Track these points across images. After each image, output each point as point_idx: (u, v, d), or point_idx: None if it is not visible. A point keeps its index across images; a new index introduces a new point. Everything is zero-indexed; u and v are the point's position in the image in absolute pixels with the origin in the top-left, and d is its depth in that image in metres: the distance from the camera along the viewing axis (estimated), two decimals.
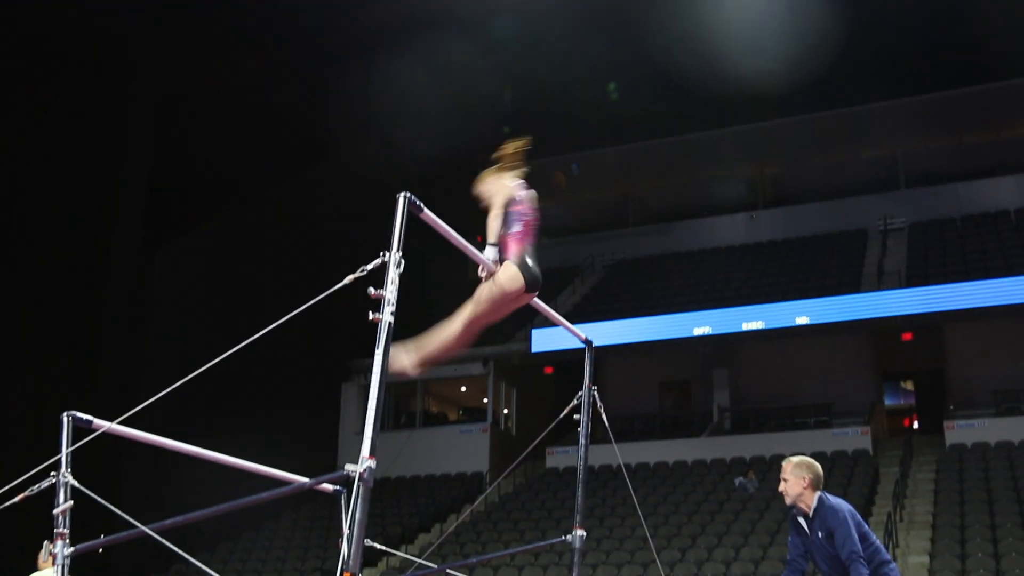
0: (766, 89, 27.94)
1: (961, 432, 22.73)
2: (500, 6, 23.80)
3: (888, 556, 6.12)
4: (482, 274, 5.38)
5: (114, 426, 4.92)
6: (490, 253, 5.27)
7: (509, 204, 5.42)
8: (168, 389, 4.73)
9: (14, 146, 21.62)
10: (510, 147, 5.65)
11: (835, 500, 6.15)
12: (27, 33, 21.62)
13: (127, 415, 4.88)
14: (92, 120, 22.71)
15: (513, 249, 5.29)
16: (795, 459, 6.27)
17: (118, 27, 22.63)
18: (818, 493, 6.14)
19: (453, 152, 30.62)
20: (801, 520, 6.23)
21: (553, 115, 28.90)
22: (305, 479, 4.78)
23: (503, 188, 5.46)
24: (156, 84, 24.24)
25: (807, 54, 25.64)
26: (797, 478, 6.16)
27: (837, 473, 21.61)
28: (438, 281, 28.38)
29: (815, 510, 6.11)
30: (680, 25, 25.75)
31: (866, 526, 6.12)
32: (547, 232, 34.76)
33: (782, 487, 6.26)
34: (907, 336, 25.42)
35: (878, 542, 6.14)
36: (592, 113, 29.94)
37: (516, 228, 5.35)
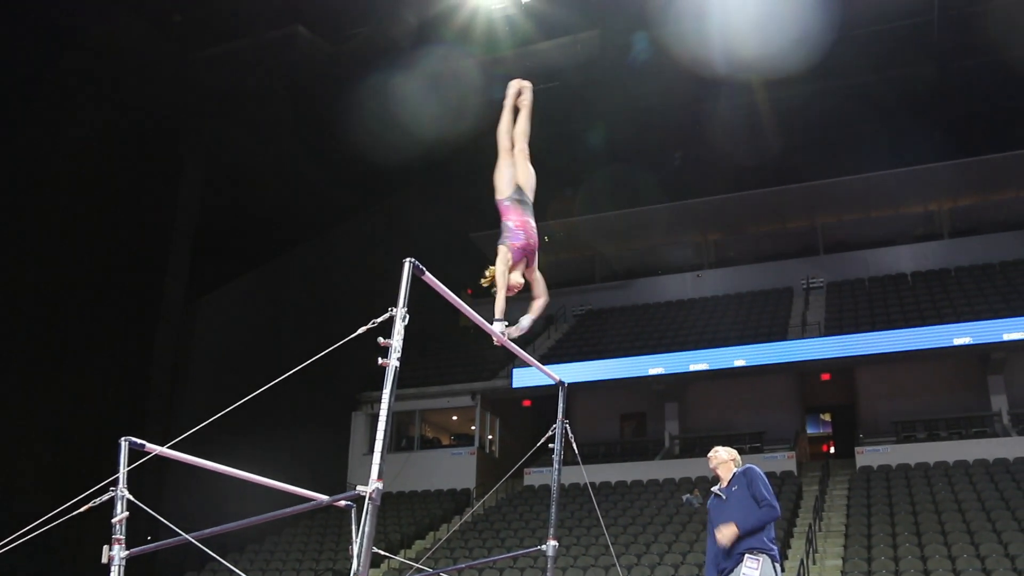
0: (710, 172, 28.44)
1: (869, 456, 22.79)
2: None
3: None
4: (497, 343, 5.44)
5: (164, 450, 4.93)
6: (498, 327, 5.32)
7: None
8: (208, 421, 4.75)
9: (81, 211, 21.68)
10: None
11: (752, 465, 6.41)
12: (89, 106, 21.73)
13: (174, 441, 4.89)
14: (149, 195, 22.86)
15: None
16: (724, 448, 6.57)
17: (172, 117, 22.84)
18: (735, 468, 6.39)
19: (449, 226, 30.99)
20: (715, 489, 6.40)
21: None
22: (324, 496, 4.78)
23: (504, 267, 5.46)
24: (201, 167, 24.42)
25: (741, 147, 26.12)
26: (727, 457, 6.42)
27: None
28: (432, 325, 28.57)
29: (733, 477, 6.30)
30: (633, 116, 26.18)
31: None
32: (525, 288, 34.78)
33: (712, 457, 6.49)
34: (825, 376, 25.58)
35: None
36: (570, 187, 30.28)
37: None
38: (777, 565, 5.95)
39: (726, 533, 5.92)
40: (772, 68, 22.72)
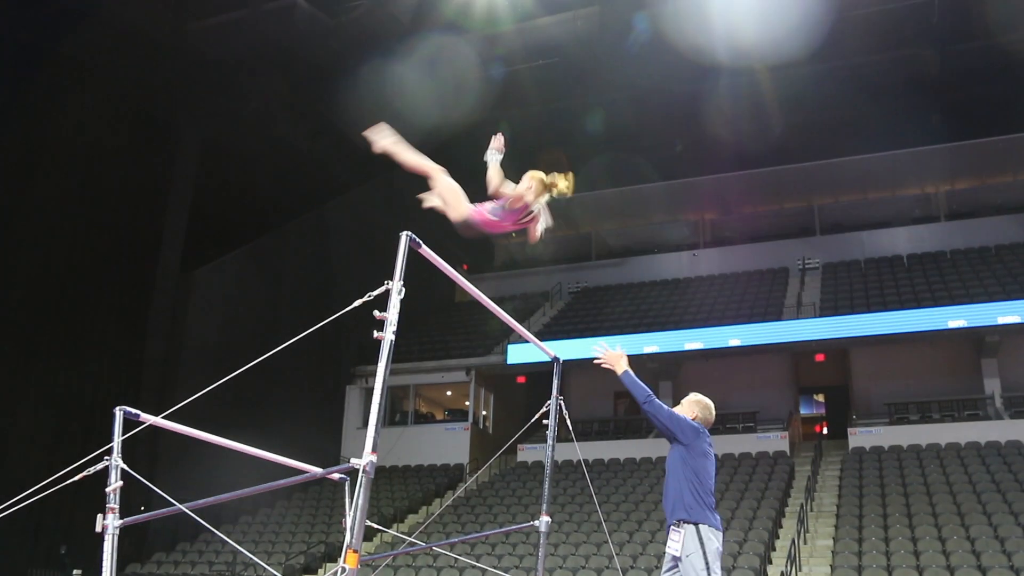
0: (707, 151, 28.32)
1: (861, 438, 22.87)
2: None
3: (711, 501, 5.41)
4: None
5: (158, 420, 4.91)
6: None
7: (509, 199, 5.28)
8: (202, 392, 4.74)
9: (82, 185, 21.68)
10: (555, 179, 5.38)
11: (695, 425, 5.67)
12: (94, 90, 21.67)
13: (169, 411, 4.88)
14: (145, 167, 22.86)
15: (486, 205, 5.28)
16: (695, 396, 5.94)
17: (169, 90, 22.76)
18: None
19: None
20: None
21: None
22: (318, 469, 4.77)
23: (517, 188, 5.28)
24: (197, 140, 24.37)
25: (740, 129, 26.01)
26: (689, 409, 5.86)
27: (760, 470, 21.67)
28: (428, 301, 28.60)
29: None
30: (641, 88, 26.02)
31: (712, 462, 5.57)
32: (522, 264, 34.87)
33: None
34: (820, 357, 25.62)
35: (712, 482, 5.49)
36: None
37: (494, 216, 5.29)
38: (706, 528, 5.26)
39: (609, 355, 5.62)
40: (772, 52, 22.60)
